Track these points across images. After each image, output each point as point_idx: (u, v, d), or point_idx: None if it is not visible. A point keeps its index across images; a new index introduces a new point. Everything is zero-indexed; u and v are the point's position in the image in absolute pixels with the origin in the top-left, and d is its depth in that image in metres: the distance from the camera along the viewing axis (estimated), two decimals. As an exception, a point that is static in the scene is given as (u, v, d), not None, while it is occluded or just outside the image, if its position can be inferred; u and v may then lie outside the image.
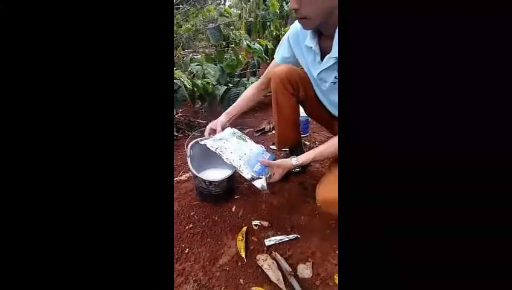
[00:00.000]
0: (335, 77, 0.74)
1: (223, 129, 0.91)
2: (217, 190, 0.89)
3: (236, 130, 0.93)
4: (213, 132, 0.91)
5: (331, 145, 0.75)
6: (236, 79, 1.79)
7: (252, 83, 1.24)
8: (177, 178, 1.08)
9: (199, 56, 1.70)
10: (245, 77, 1.89)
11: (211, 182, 0.86)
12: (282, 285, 0.64)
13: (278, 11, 2.15)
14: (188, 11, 1.81)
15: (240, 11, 2.45)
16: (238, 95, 1.46)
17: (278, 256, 0.71)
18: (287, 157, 1.03)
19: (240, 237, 0.78)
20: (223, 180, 0.86)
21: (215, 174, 0.95)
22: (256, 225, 0.83)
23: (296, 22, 0.73)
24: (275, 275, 0.66)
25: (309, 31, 0.73)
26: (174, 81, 1.30)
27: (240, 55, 1.74)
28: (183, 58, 1.70)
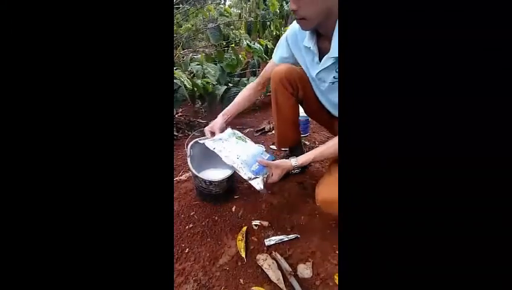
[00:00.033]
0: (334, 77, 0.74)
1: (221, 131, 0.91)
2: (217, 190, 0.89)
3: (236, 131, 0.93)
4: (212, 134, 0.91)
5: (331, 145, 0.75)
6: (236, 79, 1.78)
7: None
8: (177, 178, 1.08)
9: (199, 56, 1.69)
10: (245, 77, 1.89)
11: (211, 182, 0.86)
12: (282, 285, 0.64)
13: (278, 11, 2.14)
14: (188, 11, 1.81)
15: (239, 11, 2.45)
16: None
17: (278, 256, 0.71)
18: (287, 157, 1.03)
19: (239, 237, 0.78)
20: (223, 180, 0.86)
21: (215, 174, 0.95)
22: (256, 225, 0.83)
23: (295, 22, 0.73)
24: (275, 275, 0.66)
25: (307, 32, 0.73)
26: (174, 81, 1.30)
27: (240, 55, 1.74)
28: (183, 58, 1.70)
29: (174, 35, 1.74)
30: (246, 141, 0.90)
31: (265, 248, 0.75)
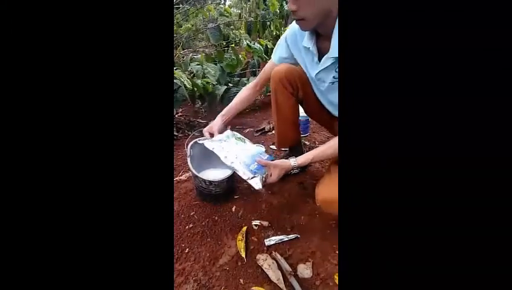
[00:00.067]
0: (333, 77, 0.74)
1: (220, 133, 0.91)
2: (217, 190, 0.89)
3: (235, 133, 0.93)
4: (211, 136, 0.91)
5: (331, 146, 0.75)
6: (236, 79, 1.79)
7: (253, 82, 1.24)
8: (177, 178, 1.08)
9: (199, 56, 1.70)
10: (245, 77, 1.89)
11: (211, 182, 0.86)
12: (282, 285, 0.64)
13: (278, 11, 2.14)
14: (188, 11, 1.81)
15: (239, 11, 2.45)
16: (238, 95, 1.45)
17: (278, 256, 0.71)
18: (287, 157, 1.03)
19: (239, 237, 0.78)
20: (223, 180, 0.86)
21: (215, 174, 0.95)
22: (256, 225, 0.83)
23: (294, 22, 0.73)
24: (275, 275, 0.66)
25: (307, 32, 0.73)
26: (174, 81, 1.30)
27: (240, 55, 1.74)
28: (183, 58, 1.70)
29: (174, 35, 1.74)
30: (245, 142, 0.90)
31: (265, 248, 0.75)
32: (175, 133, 1.51)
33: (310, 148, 1.12)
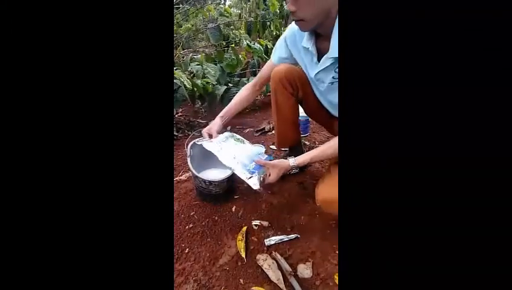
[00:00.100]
0: (332, 77, 0.74)
1: (219, 134, 0.91)
2: (217, 190, 0.89)
3: (234, 134, 0.93)
4: (210, 137, 0.91)
5: (330, 147, 0.75)
6: (236, 79, 1.79)
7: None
8: (177, 178, 1.08)
9: (199, 56, 1.70)
10: (245, 77, 1.89)
11: (211, 182, 0.86)
12: (282, 285, 0.64)
13: (278, 11, 2.15)
14: (188, 11, 1.81)
15: (239, 11, 2.45)
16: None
17: (278, 256, 0.71)
18: (286, 157, 1.03)
19: (239, 237, 0.78)
20: (223, 180, 0.86)
21: (215, 174, 0.95)
22: (256, 225, 0.83)
23: (293, 23, 0.73)
24: (275, 275, 0.66)
25: (306, 32, 0.73)
26: (174, 81, 1.30)
27: (240, 55, 1.74)
28: (183, 58, 1.71)
29: (174, 35, 1.74)
30: (244, 143, 0.91)
31: (265, 248, 0.75)
32: (175, 133, 1.51)
33: (310, 148, 1.12)
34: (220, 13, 1.88)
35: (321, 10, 0.63)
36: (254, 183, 0.76)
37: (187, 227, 0.83)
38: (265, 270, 0.68)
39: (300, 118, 1.02)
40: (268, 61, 0.94)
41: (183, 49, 1.89)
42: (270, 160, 0.82)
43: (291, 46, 0.83)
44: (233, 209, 0.90)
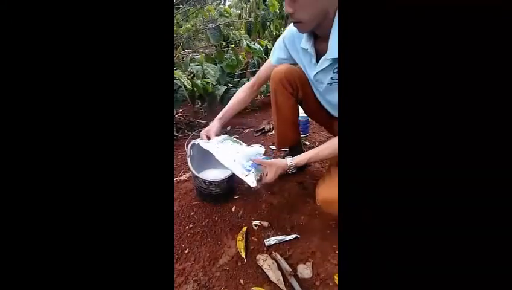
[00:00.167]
0: (331, 78, 0.74)
1: (217, 135, 0.92)
2: (217, 190, 0.89)
3: (231, 137, 0.93)
4: (208, 139, 0.91)
5: (328, 147, 0.75)
6: (236, 79, 1.79)
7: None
8: (177, 178, 1.08)
9: (199, 56, 1.70)
10: (245, 77, 1.89)
11: (210, 182, 0.86)
12: (282, 285, 0.64)
13: (278, 11, 2.15)
14: (188, 11, 1.81)
15: (240, 11, 2.45)
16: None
17: (278, 256, 0.71)
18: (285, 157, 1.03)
19: (239, 237, 0.78)
20: (223, 180, 0.86)
21: (215, 174, 0.95)
22: (256, 225, 0.83)
23: (292, 24, 0.73)
24: (275, 275, 0.66)
25: (304, 33, 0.73)
26: (174, 81, 1.30)
27: (240, 55, 1.74)
28: (183, 58, 1.71)
29: (174, 35, 1.75)
30: (241, 144, 0.91)
31: (265, 248, 0.75)
32: (175, 133, 1.51)
33: (310, 148, 1.12)
34: (220, 13, 1.88)
35: (319, 11, 0.63)
36: (252, 182, 0.76)
37: (187, 227, 0.83)
38: (265, 271, 0.68)
39: (300, 118, 1.02)
40: (267, 62, 0.94)
41: (183, 50, 1.89)
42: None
43: (290, 47, 0.84)
44: (233, 209, 0.90)
